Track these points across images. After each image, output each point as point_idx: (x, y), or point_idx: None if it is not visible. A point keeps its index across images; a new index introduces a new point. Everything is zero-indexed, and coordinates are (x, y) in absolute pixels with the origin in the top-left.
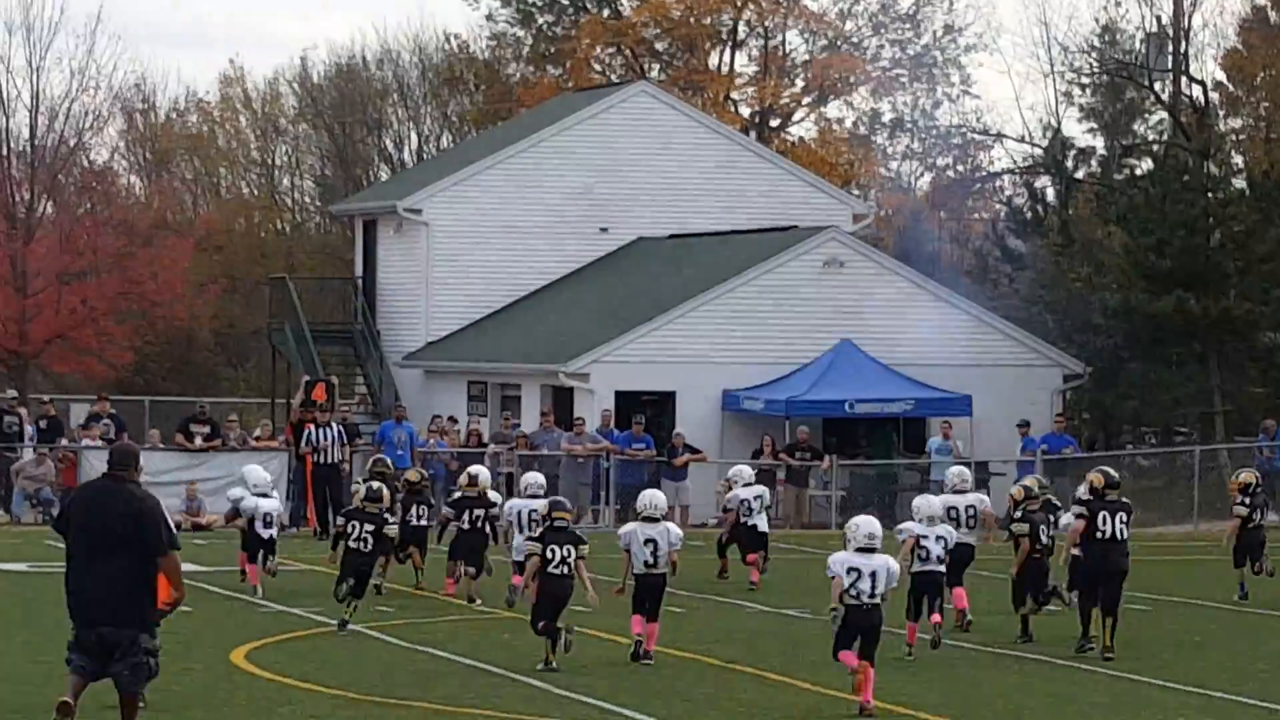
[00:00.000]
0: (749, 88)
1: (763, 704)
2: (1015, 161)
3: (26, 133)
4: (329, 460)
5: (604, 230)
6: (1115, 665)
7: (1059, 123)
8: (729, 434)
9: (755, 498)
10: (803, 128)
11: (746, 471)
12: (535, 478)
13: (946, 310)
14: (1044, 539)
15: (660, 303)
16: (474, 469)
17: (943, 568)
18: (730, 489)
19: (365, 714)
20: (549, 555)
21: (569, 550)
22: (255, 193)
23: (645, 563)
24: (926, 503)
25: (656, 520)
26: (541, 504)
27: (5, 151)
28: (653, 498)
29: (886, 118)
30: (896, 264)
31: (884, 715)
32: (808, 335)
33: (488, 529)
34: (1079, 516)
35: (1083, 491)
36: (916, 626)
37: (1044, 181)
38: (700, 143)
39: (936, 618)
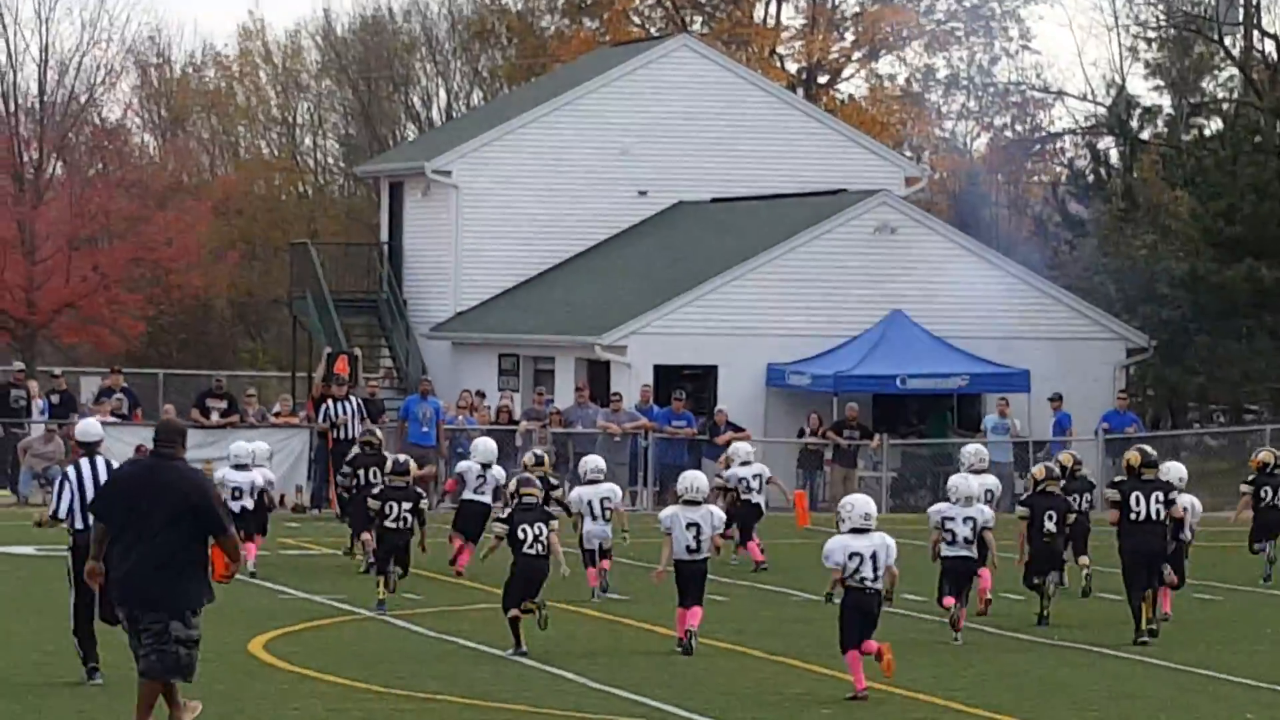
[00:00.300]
0: (796, 42)
1: (806, 697)
2: (1077, 121)
3: (35, 88)
4: (348, 436)
5: (642, 194)
6: (1176, 656)
7: (1123, 80)
8: (773, 411)
9: (754, 476)
10: (853, 85)
11: (744, 449)
12: (595, 461)
13: (1003, 279)
14: (1050, 524)
15: (702, 271)
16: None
17: (972, 551)
18: (728, 466)
19: (390, 707)
20: (520, 535)
21: (540, 529)
22: (276, 153)
23: (688, 548)
24: (964, 482)
25: (698, 504)
26: (607, 488)
27: (13, 109)
28: (694, 479)
29: (941, 74)
30: (951, 230)
31: (949, 713)
32: (857, 306)
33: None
34: (1111, 502)
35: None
36: (951, 599)
37: (1107, 142)
38: (744, 100)
39: (950, 600)
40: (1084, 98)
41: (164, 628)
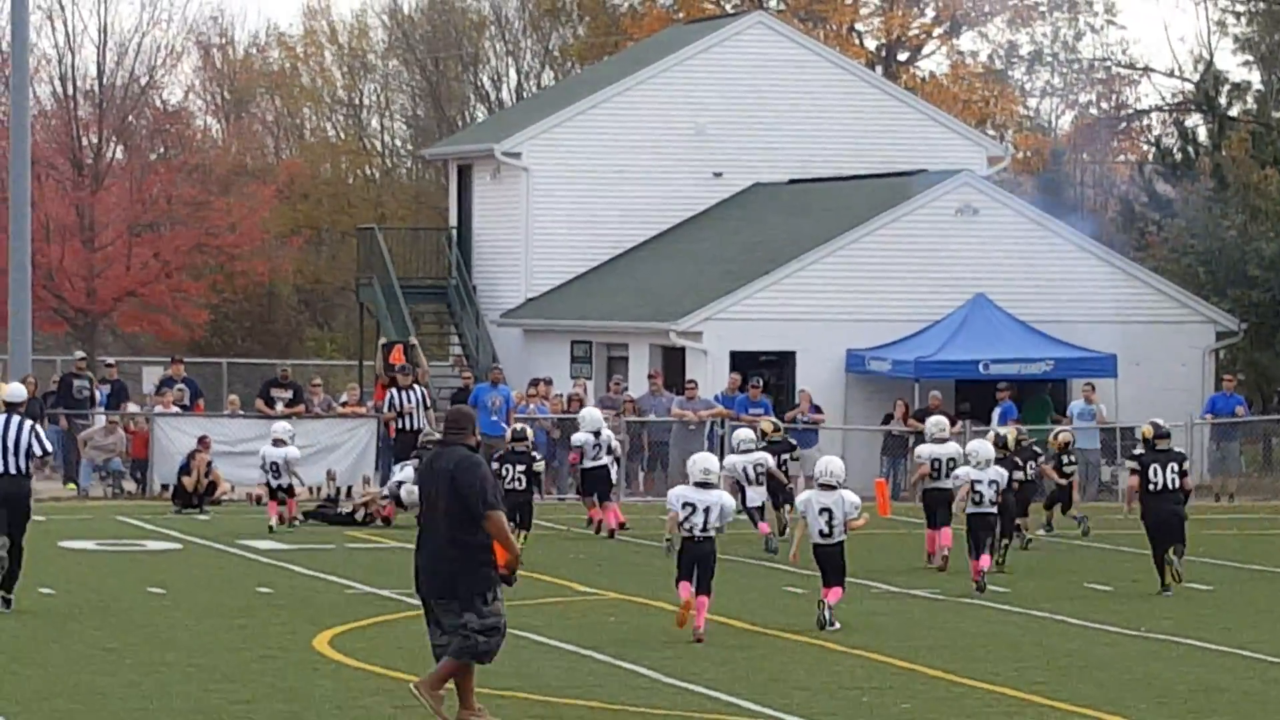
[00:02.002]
0: (875, 18)
1: (886, 691)
2: (1164, 98)
3: (94, 71)
4: (413, 426)
5: (718, 175)
6: (1267, 648)
7: (1211, 55)
8: (853, 397)
9: (754, 465)
10: (933, 62)
11: (746, 435)
12: (746, 434)
13: (1089, 261)
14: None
15: (779, 254)
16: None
17: (994, 509)
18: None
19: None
20: (504, 473)
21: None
22: (341, 135)
23: (821, 532)
24: (982, 446)
25: (833, 488)
26: (760, 456)
27: (71, 91)
28: (830, 464)
29: (1024, 50)
30: (1035, 211)
31: (1030, 707)
32: (938, 289)
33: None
34: (1132, 471)
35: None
36: (978, 563)
37: (1195, 120)
38: (822, 79)
39: (985, 560)
40: (1171, 74)
41: (459, 619)
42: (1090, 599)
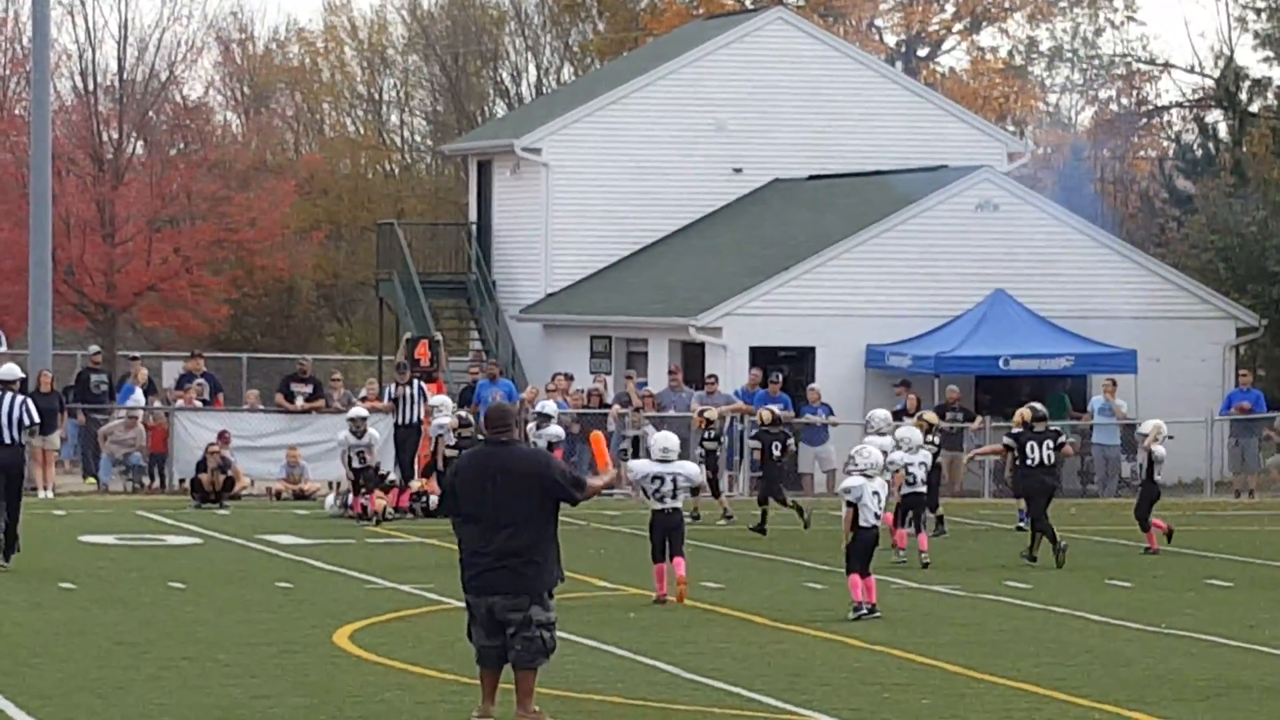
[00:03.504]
0: (895, 14)
1: (907, 686)
2: (1184, 94)
3: (114, 66)
4: (409, 421)
5: (738, 171)
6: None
7: (1232, 51)
8: (873, 393)
9: (920, 464)
10: (953, 58)
11: (913, 436)
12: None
13: (1109, 257)
14: (922, 474)
15: (798, 250)
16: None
17: (924, 489)
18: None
19: (478, 700)
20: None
21: None
22: (361, 131)
23: (876, 514)
24: (911, 432)
25: (872, 478)
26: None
27: (92, 87)
28: (870, 452)
29: (1044, 46)
30: (1055, 207)
31: (1051, 703)
32: (958, 285)
33: None
34: (1006, 449)
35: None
36: (905, 533)
37: (1215, 116)
38: (842, 74)
39: (924, 541)
40: (1191, 70)
41: (525, 615)
42: (1111, 595)
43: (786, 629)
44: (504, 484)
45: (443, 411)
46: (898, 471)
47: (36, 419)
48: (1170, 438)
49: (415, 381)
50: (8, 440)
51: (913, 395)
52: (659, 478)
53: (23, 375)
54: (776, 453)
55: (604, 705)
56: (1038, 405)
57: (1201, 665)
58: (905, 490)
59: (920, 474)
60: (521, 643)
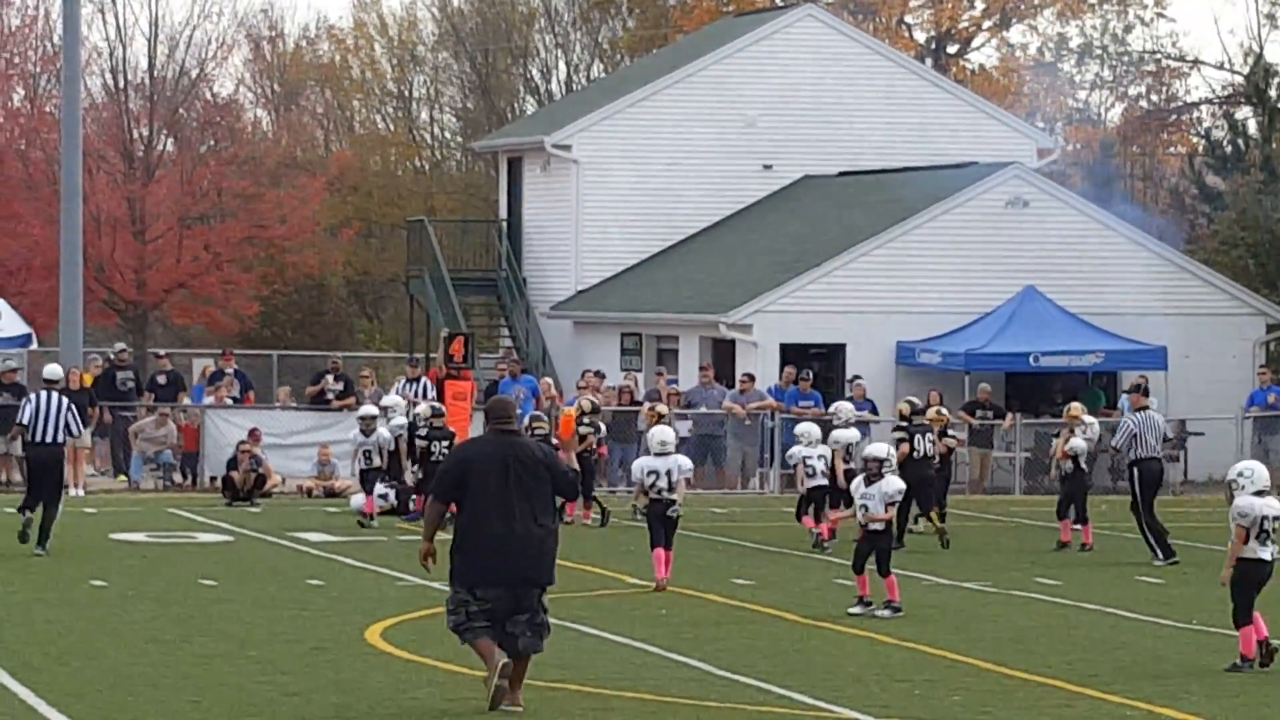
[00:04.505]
0: (925, 10)
1: (936, 683)
2: (1214, 90)
3: (144, 63)
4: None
5: (768, 168)
6: None
7: (1261, 47)
8: (903, 390)
9: (819, 457)
10: (983, 54)
11: (811, 431)
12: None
13: (1139, 253)
14: (822, 466)
15: (829, 247)
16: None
17: (826, 481)
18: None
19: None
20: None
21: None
22: (391, 128)
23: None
24: (810, 428)
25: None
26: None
27: (122, 84)
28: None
29: (1074, 43)
30: (1085, 203)
31: (1082, 699)
32: (988, 282)
33: None
34: (900, 441)
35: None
36: (814, 523)
37: (1245, 112)
38: (872, 71)
39: (825, 529)
40: (1221, 66)
41: (537, 601)
42: (1141, 590)
43: (817, 626)
44: (521, 472)
45: (396, 412)
46: (797, 465)
47: (81, 429)
48: (1200, 434)
49: (422, 379)
50: (49, 439)
51: (935, 391)
52: (654, 471)
53: (64, 374)
54: None
55: (634, 702)
56: (915, 400)
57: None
58: (809, 483)
59: (820, 466)
60: (533, 628)
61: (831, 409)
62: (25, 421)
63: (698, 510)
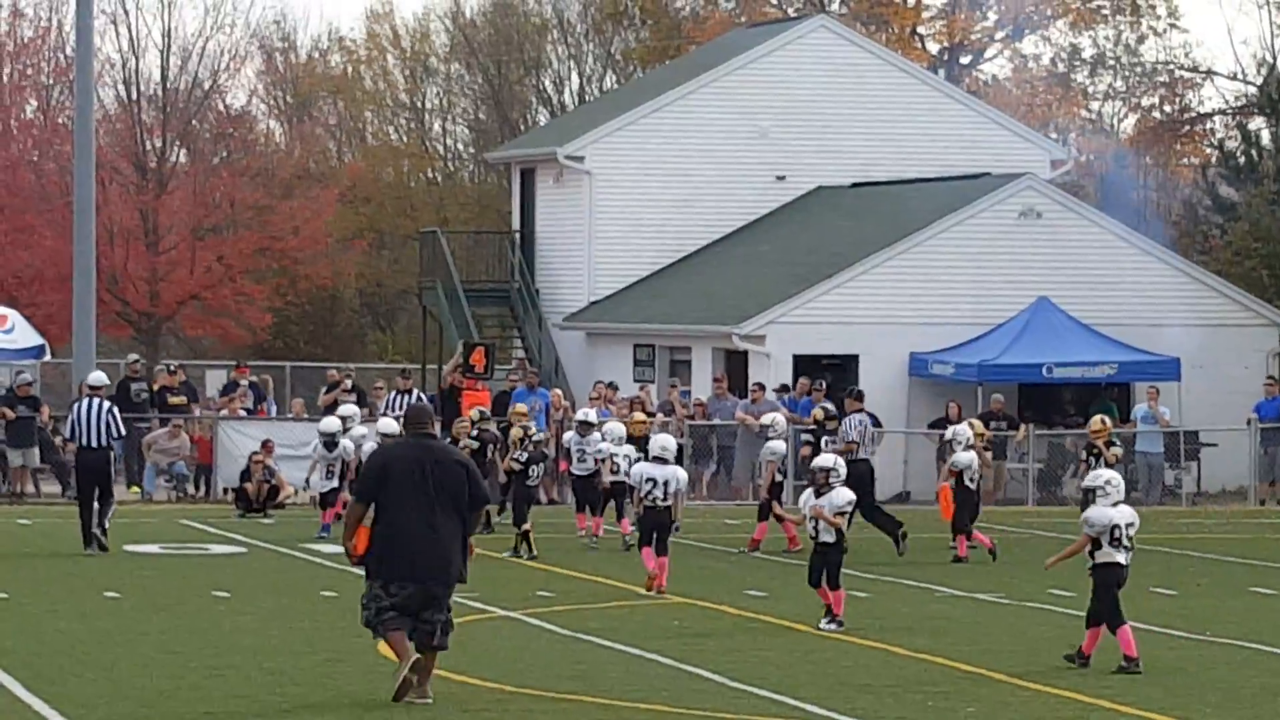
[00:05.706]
0: (937, 21)
1: (950, 695)
2: (1227, 101)
3: (157, 75)
4: None
5: (781, 179)
6: None
7: (1275, 58)
8: (916, 401)
9: (624, 456)
10: (996, 65)
11: (617, 429)
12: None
13: (1153, 265)
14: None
15: (842, 258)
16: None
17: (626, 479)
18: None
19: (522, 708)
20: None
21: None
22: (404, 139)
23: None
24: (615, 426)
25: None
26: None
27: (135, 96)
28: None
29: (1087, 54)
30: (1098, 214)
31: (1097, 711)
32: (1002, 293)
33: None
34: (806, 443)
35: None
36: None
37: (1259, 123)
38: (885, 82)
39: (625, 525)
40: (1234, 77)
41: (446, 600)
42: (1155, 602)
43: (830, 636)
44: (439, 473)
45: (353, 420)
46: (605, 460)
47: (122, 431)
48: (1214, 445)
49: (414, 390)
50: (96, 444)
51: (954, 403)
52: (652, 479)
53: (108, 382)
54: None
55: (648, 714)
56: (829, 406)
57: (1247, 673)
58: (610, 479)
59: (624, 465)
60: (440, 625)
61: (769, 419)
62: (69, 434)
63: (710, 521)
